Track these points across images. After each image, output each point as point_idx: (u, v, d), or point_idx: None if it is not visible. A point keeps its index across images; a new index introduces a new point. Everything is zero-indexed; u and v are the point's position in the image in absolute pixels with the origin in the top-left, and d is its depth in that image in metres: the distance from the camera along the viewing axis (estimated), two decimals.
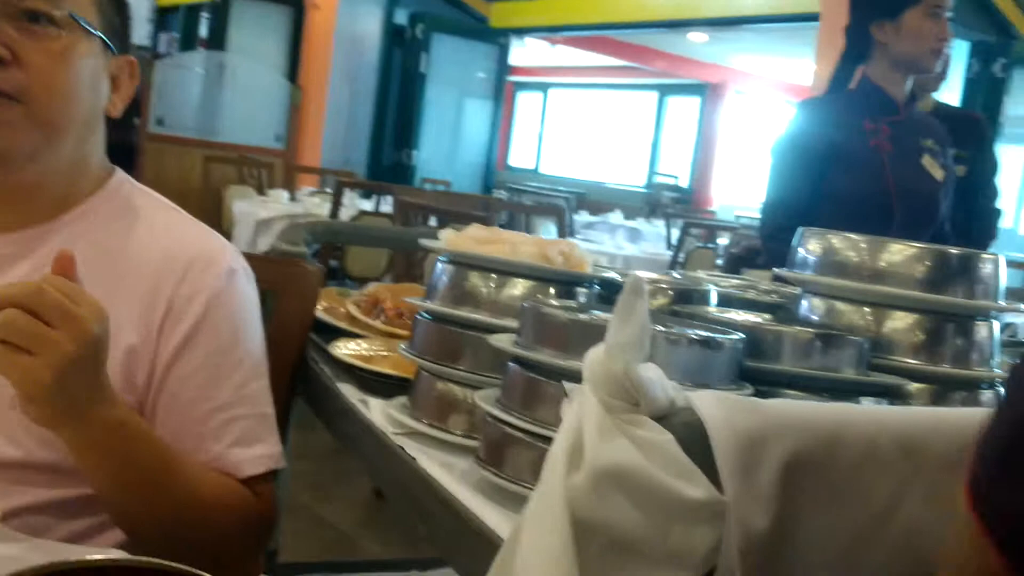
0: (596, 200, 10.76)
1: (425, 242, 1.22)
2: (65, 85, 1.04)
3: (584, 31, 11.23)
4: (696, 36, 11.21)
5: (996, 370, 1.00)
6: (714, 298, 1.15)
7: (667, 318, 0.93)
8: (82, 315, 0.86)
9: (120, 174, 1.17)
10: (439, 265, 1.14)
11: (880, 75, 2.32)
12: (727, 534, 0.64)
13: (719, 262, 5.20)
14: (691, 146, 14.15)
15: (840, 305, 1.02)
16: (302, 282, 1.39)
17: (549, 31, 11.31)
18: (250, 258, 1.20)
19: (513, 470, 0.90)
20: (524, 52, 13.31)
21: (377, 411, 1.15)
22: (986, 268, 1.01)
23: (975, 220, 2.74)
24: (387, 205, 5.78)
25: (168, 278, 1.08)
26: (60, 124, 1.05)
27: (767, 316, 1.03)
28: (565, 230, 5.37)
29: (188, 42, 9.95)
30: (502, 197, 9.39)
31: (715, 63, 13.27)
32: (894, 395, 0.95)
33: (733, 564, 0.64)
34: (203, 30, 9.80)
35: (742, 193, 12.74)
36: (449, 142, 10.83)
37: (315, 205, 5.92)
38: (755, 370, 0.90)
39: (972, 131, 2.80)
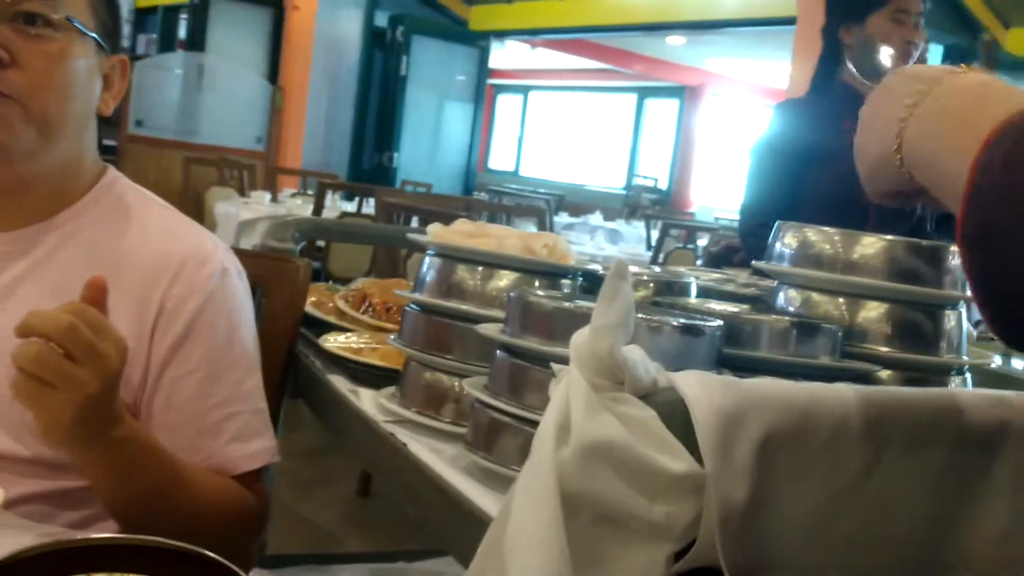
0: (576, 202, 10.80)
1: (413, 236, 1.26)
2: (61, 85, 1.06)
3: (563, 34, 11.27)
4: (674, 39, 11.27)
5: (964, 357, 1.04)
6: (694, 290, 1.18)
7: (649, 308, 0.97)
8: (107, 352, 0.88)
9: (112, 172, 1.19)
10: (427, 258, 1.17)
11: (853, 77, 2.36)
12: (707, 506, 0.67)
13: (699, 263, 5.24)
14: (670, 148, 14.21)
15: (815, 296, 1.05)
16: (291, 277, 1.41)
17: (529, 34, 11.35)
18: (239, 254, 1.22)
19: (501, 454, 0.94)
20: (504, 55, 13.34)
21: (368, 401, 1.18)
22: (954, 259, 1.05)
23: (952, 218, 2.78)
24: (369, 207, 5.79)
25: (161, 277, 1.09)
26: (56, 123, 1.07)
27: (745, 307, 1.07)
28: (546, 231, 5.39)
29: (167, 43, 9.92)
30: (483, 199, 9.41)
31: (693, 66, 13.35)
32: (866, 381, 0.99)
33: (713, 534, 0.67)
34: (182, 31, 9.78)
35: (721, 195, 12.83)
36: (429, 145, 10.84)
37: (297, 206, 5.92)
38: (733, 357, 0.94)
39: None
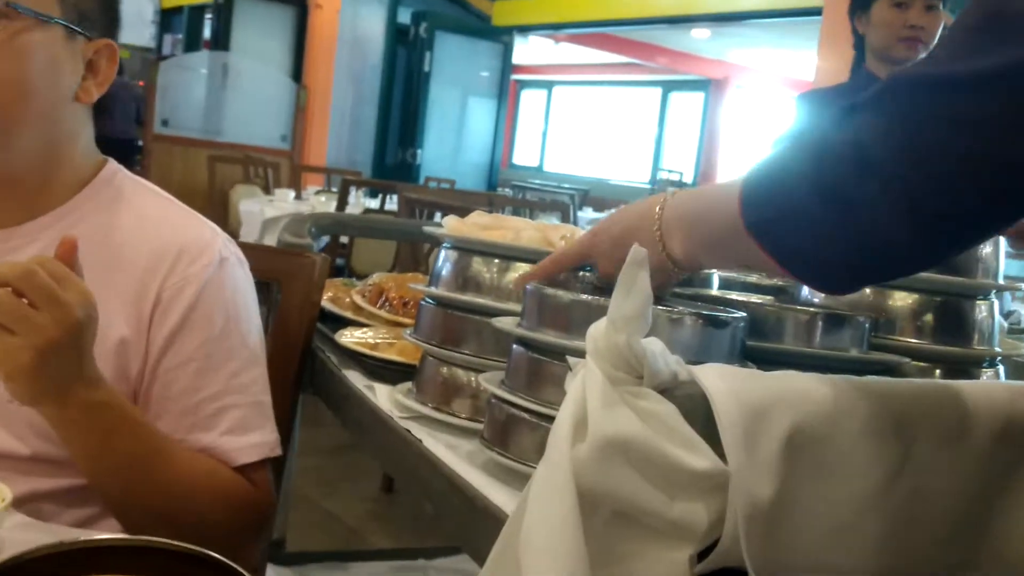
0: (600, 197, 10.76)
1: (429, 229, 1.23)
2: (9, 76, 1.00)
3: (587, 28, 11.23)
4: (699, 32, 11.20)
5: (996, 348, 1.01)
6: (716, 281, 1.16)
7: (669, 299, 0.94)
8: (68, 300, 0.87)
9: (112, 165, 1.15)
10: (442, 252, 1.15)
11: (872, 66, 2.34)
12: (731, 504, 0.64)
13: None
14: (695, 142, 14.15)
15: None
16: (307, 272, 1.40)
17: (552, 28, 11.31)
18: (255, 249, 1.21)
19: (518, 450, 0.91)
20: (528, 50, 13.31)
21: (384, 396, 1.17)
22: (986, 248, 1.02)
23: None
24: (393, 204, 5.79)
25: (158, 268, 1.07)
26: (10, 117, 1.02)
27: (768, 298, 1.04)
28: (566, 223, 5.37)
29: (192, 43, 9.98)
30: (507, 195, 9.40)
31: (718, 59, 13.26)
32: (895, 374, 0.96)
33: (737, 534, 0.64)
34: (207, 31, 9.83)
35: None
36: (453, 141, 10.82)
37: (321, 204, 5.93)
38: (757, 350, 0.91)
39: None
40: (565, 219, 5.27)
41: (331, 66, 9.73)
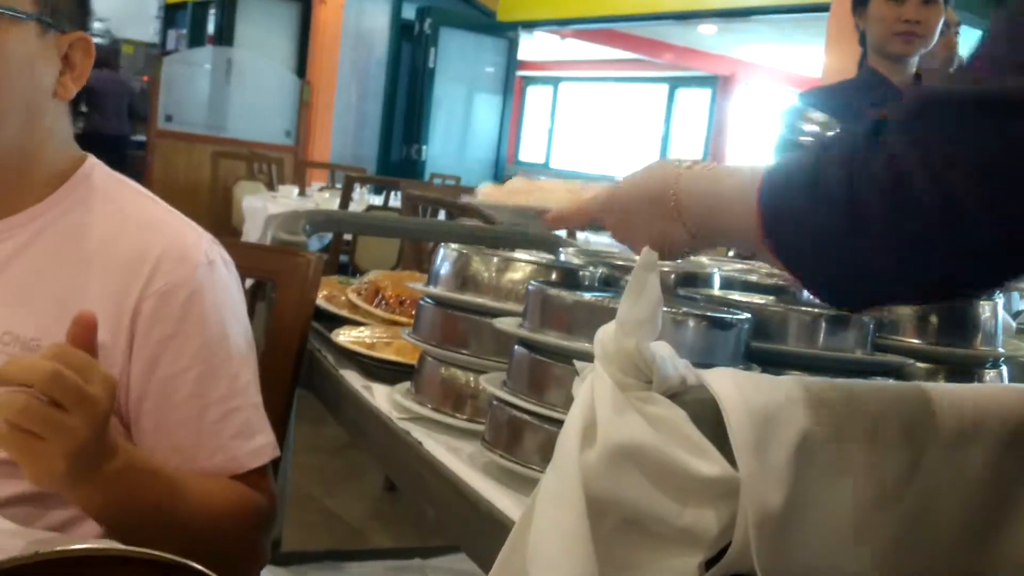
0: None
1: (466, 198, 1.16)
2: None
3: (593, 24, 11.20)
4: (705, 28, 11.16)
5: (1000, 349, 1.00)
6: (717, 281, 1.14)
7: (672, 299, 0.92)
8: (96, 396, 0.82)
9: (91, 161, 1.12)
10: (441, 250, 1.13)
11: (873, 61, 2.33)
12: (741, 511, 0.63)
13: (730, 253, 5.16)
14: (702, 139, 14.11)
15: None
16: (302, 271, 1.38)
17: (558, 24, 11.28)
18: (250, 248, 1.19)
19: (521, 453, 0.90)
20: (533, 46, 13.28)
21: (381, 397, 1.15)
22: None
23: None
24: (397, 200, 5.78)
25: (139, 271, 1.04)
26: None
27: (770, 298, 1.03)
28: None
29: (196, 38, 9.96)
30: None
31: (725, 55, 13.22)
32: (899, 375, 0.95)
33: (748, 540, 0.63)
34: (211, 26, 9.82)
35: None
36: (458, 137, 10.80)
37: (325, 200, 5.91)
38: (761, 351, 0.90)
39: None
40: None
41: (335, 61, 9.71)
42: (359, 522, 3.15)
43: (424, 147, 10.42)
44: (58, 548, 0.61)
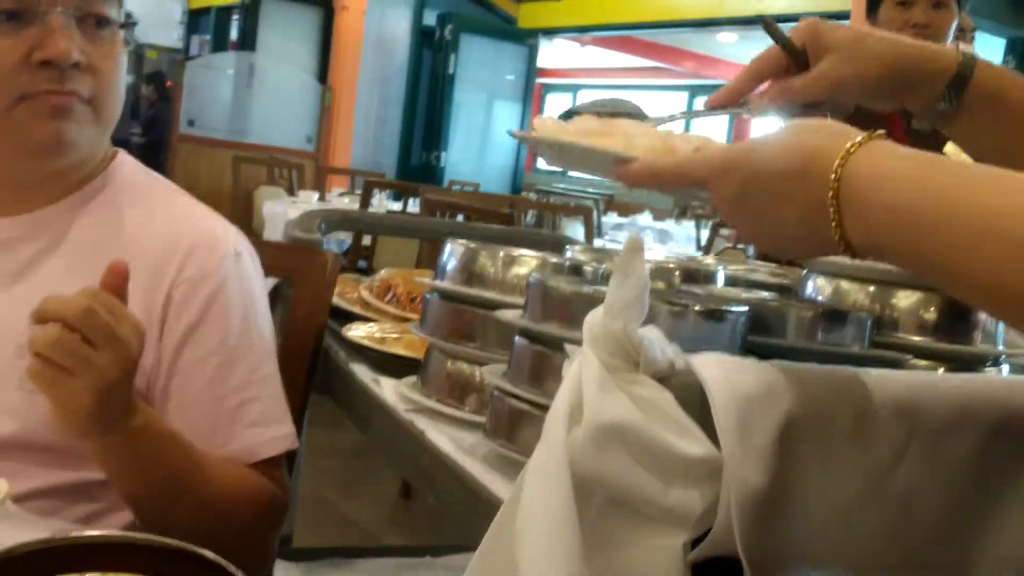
0: (625, 201, 10.73)
1: (517, 133, 0.97)
2: (119, 85, 1.08)
3: (613, 31, 11.21)
4: (725, 36, 11.16)
5: (1000, 346, 1.00)
6: (721, 279, 1.15)
7: (673, 293, 0.94)
8: (126, 336, 0.86)
9: (122, 155, 1.17)
10: (448, 247, 1.15)
11: None
12: (724, 491, 0.64)
13: (750, 262, 5.14)
14: None
15: (845, 284, 1.02)
16: (319, 269, 1.39)
17: (578, 31, 11.31)
18: (266, 246, 1.21)
19: (521, 442, 0.92)
20: (553, 53, 13.31)
21: (389, 389, 1.17)
22: None
23: None
24: (415, 207, 5.81)
25: (170, 262, 1.08)
26: (113, 120, 1.09)
27: (772, 295, 1.04)
28: (593, 231, 5.36)
29: (219, 44, 10.05)
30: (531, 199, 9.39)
31: (744, 63, 13.17)
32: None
33: (730, 521, 0.64)
34: (234, 32, 9.90)
35: None
36: (478, 144, 10.84)
37: (344, 206, 5.94)
38: (759, 345, 0.91)
39: None
40: (588, 223, 5.23)
41: (356, 67, 9.77)
42: (374, 527, 3.16)
43: (443, 153, 10.46)
44: (72, 535, 0.63)
